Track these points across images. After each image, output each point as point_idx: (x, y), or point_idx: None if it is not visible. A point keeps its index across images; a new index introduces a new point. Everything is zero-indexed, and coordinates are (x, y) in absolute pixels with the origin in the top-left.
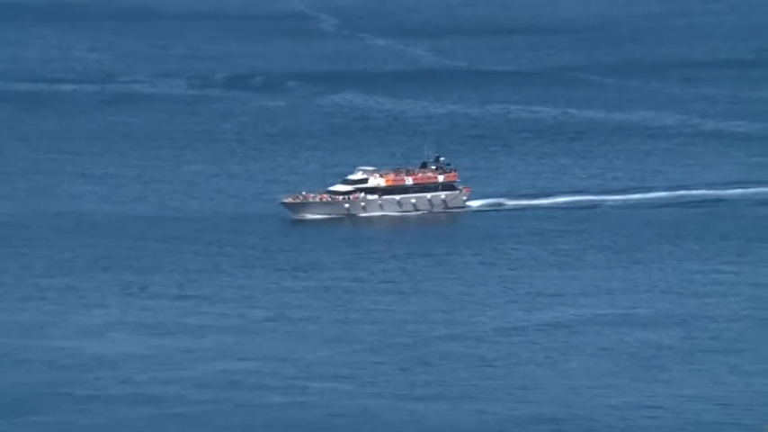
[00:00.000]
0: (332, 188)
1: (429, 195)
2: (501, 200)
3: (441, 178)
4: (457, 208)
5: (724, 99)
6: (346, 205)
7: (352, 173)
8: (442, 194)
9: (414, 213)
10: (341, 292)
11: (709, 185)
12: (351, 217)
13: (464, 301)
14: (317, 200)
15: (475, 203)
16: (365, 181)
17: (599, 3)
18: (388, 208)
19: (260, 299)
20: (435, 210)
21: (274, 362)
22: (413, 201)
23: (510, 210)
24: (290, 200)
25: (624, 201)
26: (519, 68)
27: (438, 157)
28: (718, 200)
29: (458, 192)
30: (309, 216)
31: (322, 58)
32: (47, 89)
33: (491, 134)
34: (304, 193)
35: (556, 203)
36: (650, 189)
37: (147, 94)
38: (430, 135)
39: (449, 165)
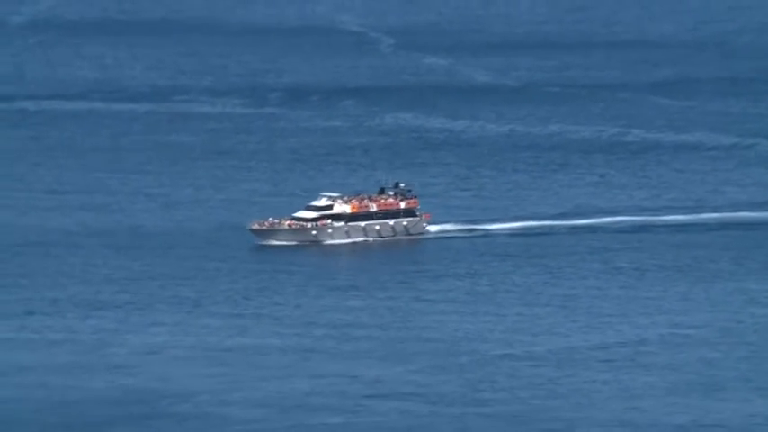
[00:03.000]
0: (297, 214)
1: (392, 222)
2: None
3: (402, 205)
4: (417, 234)
5: None
6: (314, 232)
7: (316, 199)
8: (404, 221)
9: (379, 238)
10: (398, 311)
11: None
12: (317, 243)
13: (522, 319)
14: (286, 226)
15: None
16: (330, 207)
17: (659, 21)
18: (353, 234)
19: (317, 317)
20: (398, 236)
21: (334, 380)
22: (377, 227)
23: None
24: (256, 226)
25: (682, 221)
26: (576, 87)
27: (397, 183)
28: None
29: (418, 218)
30: (276, 243)
31: (378, 77)
32: (102, 108)
33: (548, 153)
34: (270, 219)
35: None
36: (707, 209)
37: (202, 112)
38: (383, 164)
39: (410, 191)
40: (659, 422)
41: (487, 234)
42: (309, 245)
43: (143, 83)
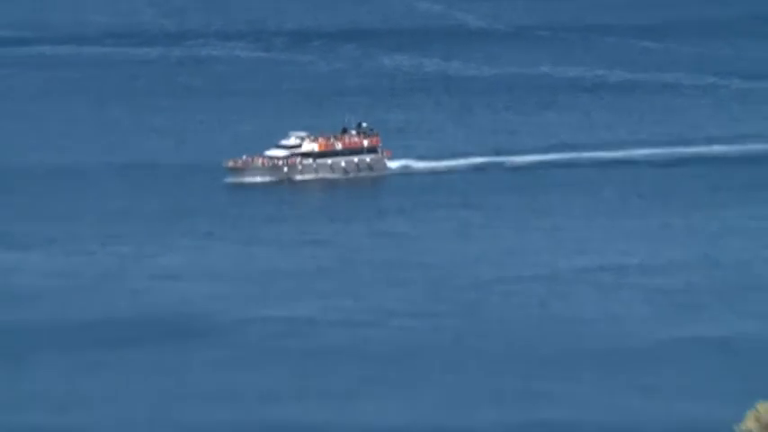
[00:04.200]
0: (268, 153)
1: (356, 159)
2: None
3: (365, 143)
4: (380, 170)
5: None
6: (285, 169)
7: (285, 137)
8: (367, 158)
9: (344, 176)
10: (400, 239)
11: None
12: (288, 180)
13: (513, 246)
14: (259, 164)
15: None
16: (299, 146)
17: None
18: (321, 171)
19: (321, 244)
20: (362, 172)
21: (340, 301)
22: (342, 164)
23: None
24: (231, 164)
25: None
26: (565, 31)
27: (360, 123)
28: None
29: (380, 155)
30: (250, 179)
31: (376, 22)
32: (117, 52)
33: (537, 92)
34: (244, 157)
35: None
36: (686, 144)
37: (211, 56)
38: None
39: (372, 130)
40: (644, 338)
41: (474, 168)
42: (281, 181)
43: (155, 28)
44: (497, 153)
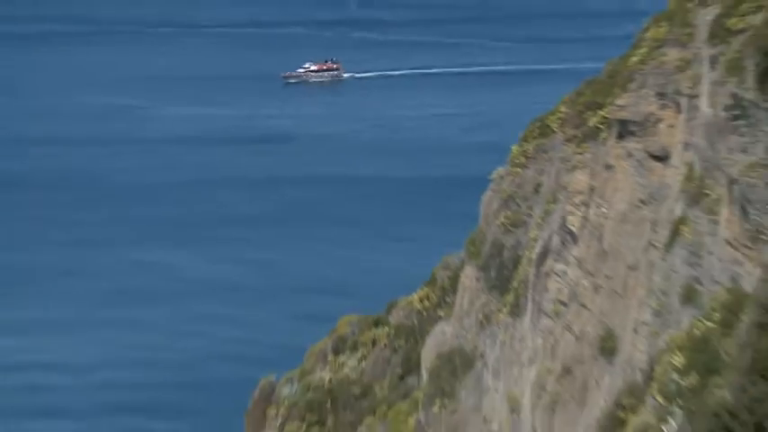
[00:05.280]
0: (298, 70)
1: (330, 73)
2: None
3: (335, 66)
4: (340, 78)
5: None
6: (304, 77)
7: (304, 64)
8: (335, 73)
9: (328, 80)
10: (358, 101)
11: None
12: (305, 82)
13: (408, 103)
14: (294, 74)
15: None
16: (310, 67)
17: None
18: (319, 78)
19: (328, 104)
20: (333, 79)
21: (337, 126)
22: (327, 75)
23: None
24: (283, 74)
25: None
26: (427, 22)
27: (332, 58)
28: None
29: (340, 71)
30: (291, 81)
31: (352, 16)
32: (235, 31)
33: (412, 47)
34: (287, 72)
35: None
36: (473, 65)
37: (283, 32)
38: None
39: (337, 60)
40: (456, 140)
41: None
42: (303, 83)
43: (254, 19)
44: (395, 69)
